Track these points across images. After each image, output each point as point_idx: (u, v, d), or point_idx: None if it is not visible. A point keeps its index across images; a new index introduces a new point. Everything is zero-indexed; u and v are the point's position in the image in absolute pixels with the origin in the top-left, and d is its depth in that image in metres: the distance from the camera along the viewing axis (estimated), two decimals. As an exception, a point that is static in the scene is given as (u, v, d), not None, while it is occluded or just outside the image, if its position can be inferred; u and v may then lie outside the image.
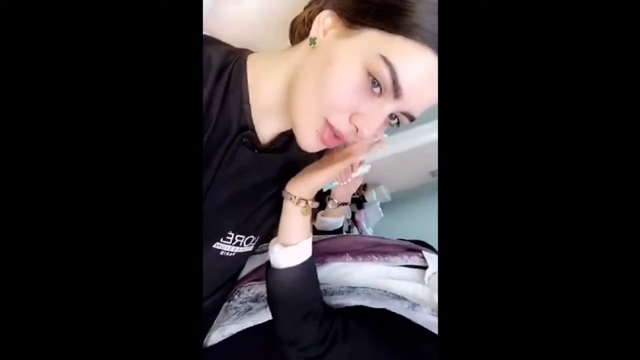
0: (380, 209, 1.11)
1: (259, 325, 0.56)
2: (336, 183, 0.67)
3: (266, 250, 0.73)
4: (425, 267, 0.60)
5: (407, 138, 1.06)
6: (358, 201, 1.08)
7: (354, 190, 0.77)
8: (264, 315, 0.57)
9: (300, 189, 0.48)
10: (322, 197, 0.86)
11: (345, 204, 0.80)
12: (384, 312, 0.52)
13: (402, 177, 1.21)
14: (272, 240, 0.52)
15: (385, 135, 0.49)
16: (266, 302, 0.58)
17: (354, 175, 0.67)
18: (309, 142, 0.40)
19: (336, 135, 0.38)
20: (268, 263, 0.53)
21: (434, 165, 1.29)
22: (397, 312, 0.51)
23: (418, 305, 0.53)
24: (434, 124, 1.04)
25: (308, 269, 0.51)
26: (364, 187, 1.12)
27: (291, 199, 0.48)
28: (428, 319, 0.51)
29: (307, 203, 0.48)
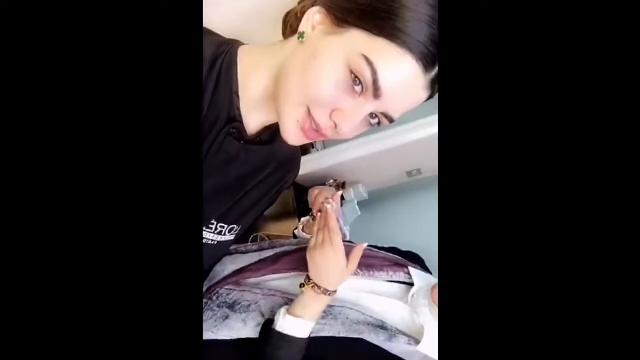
0: (357, 206, 1.13)
1: (233, 340, 0.57)
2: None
3: (251, 250, 0.73)
4: (409, 283, 0.60)
5: (384, 139, 1.09)
6: (336, 199, 1.10)
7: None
8: (241, 330, 0.57)
9: (331, 283, 0.54)
10: (306, 206, 0.86)
11: None
12: (360, 342, 0.53)
13: (379, 176, 1.25)
14: (284, 309, 0.56)
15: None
16: (243, 312, 0.59)
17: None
18: (290, 132, 0.40)
19: (316, 129, 0.40)
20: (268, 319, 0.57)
21: (410, 165, 1.33)
22: (373, 342, 0.53)
23: (395, 336, 0.53)
24: (411, 125, 1.08)
25: (297, 346, 0.54)
26: (342, 185, 1.14)
27: (317, 289, 0.54)
28: (404, 348, 0.52)
29: (317, 288, 0.54)
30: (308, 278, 0.55)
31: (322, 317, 0.56)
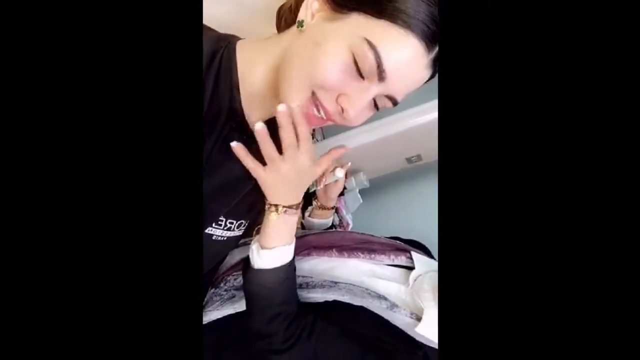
0: (359, 195, 1.14)
1: (238, 312, 0.58)
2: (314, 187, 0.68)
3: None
4: (411, 268, 0.61)
5: (384, 126, 1.09)
6: (338, 188, 1.10)
7: (335, 195, 0.78)
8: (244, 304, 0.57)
9: (298, 196, 0.49)
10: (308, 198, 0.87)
11: (332, 208, 0.81)
12: (361, 309, 0.53)
13: (379, 164, 1.25)
14: (254, 238, 0.52)
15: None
16: None
17: (326, 181, 0.69)
18: None
19: (321, 116, 0.40)
20: (247, 257, 0.53)
21: (410, 152, 1.34)
22: (376, 311, 0.53)
23: (397, 306, 0.54)
24: (410, 111, 1.08)
25: (283, 273, 0.50)
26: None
27: (270, 207, 0.48)
28: (406, 320, 0.52)
29: (277, 209, 0.48)
30: (269, 204, 0.49)
31: (327, 290, 0.56)
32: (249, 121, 0.46)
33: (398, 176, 1.28)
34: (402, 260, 0.63)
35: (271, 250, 0.49)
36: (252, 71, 0.43)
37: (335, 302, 0.55)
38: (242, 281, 0.64)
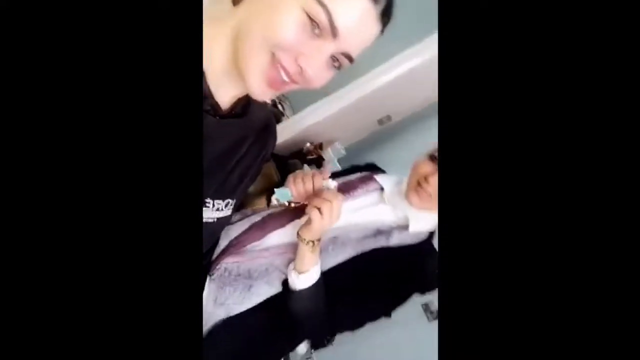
0: (338, 164, 1.17)
1: (261, 303, 0.62)
2: (287, 192, 0.69)
3: (237, 220, 0.75)
4: (381, 189, 0.70)
5: (350, 91, 1.11)
6: (317, 161, 1.13)
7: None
8: (269, 291, 0.62)
9: (309, 235, 0.59)
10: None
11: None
12: (368, 254, 0.60)
13: (352, 129, 1.27)
14: (290, 266, 0.62)
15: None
16: (264, 277, 0.63)
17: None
18: (257, 86, 0.42)
19: (284, 79, 0.41)
20: (286, 286, 0.62)
21: (380, 113, 1.36)
22: (379, 246, 0.61)
23: (391, 234, 0.62)
24: (373, 73, 1.10)
25: (316, 288, 0.61)
26: (320, 146, 1.17)
27: (303, 241, 0.59)
28: (401, 237, 0.61)
29: (314, 243, 0.59)
30: (309, 240, 0.60)
31: (332, 249, 0.63)
32: (219, 101, 0.47)
33: (372, 139, 1.31)
34: (373, 186, 0.71)
35: (307, 273, 0.60)
36: (213, 48, 0.44)
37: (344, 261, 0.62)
38: (246, 267, 0.66)
